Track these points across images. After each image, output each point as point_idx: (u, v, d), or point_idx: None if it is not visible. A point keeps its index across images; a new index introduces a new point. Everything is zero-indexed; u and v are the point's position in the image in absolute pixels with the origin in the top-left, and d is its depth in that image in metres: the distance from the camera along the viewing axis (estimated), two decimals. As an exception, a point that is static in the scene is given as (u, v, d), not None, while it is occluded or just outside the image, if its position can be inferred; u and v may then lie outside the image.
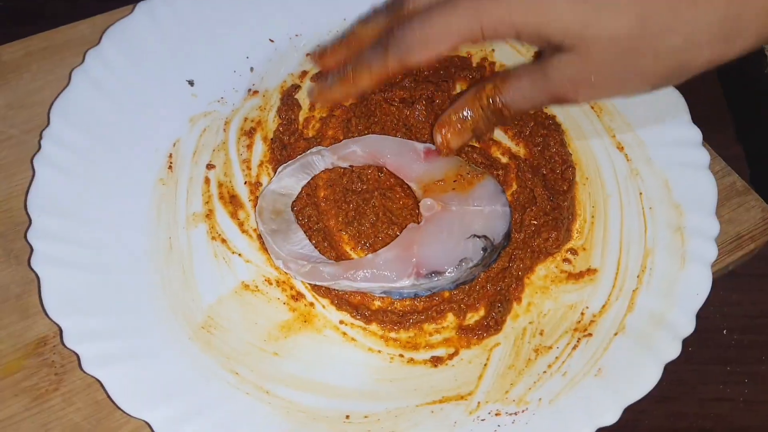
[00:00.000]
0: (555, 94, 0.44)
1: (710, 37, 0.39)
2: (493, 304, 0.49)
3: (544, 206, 0.52)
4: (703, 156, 0.54)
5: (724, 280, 0.54)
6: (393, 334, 0.49)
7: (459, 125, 0.48)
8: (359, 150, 0.53)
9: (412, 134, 0.55)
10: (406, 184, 0.53)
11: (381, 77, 0.47)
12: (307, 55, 0.61)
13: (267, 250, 0.50)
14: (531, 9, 0.41)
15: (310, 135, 0.57)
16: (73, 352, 0.44)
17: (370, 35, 0.49)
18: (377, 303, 0.50)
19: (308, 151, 0.53)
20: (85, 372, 0.43)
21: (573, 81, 0.42)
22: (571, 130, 0.58)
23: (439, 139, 0.49)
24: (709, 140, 0.56)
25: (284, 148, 0.55)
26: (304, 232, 0.51)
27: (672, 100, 0.57)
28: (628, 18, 0.39)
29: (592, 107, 0.59)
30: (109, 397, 0.43)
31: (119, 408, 0.42)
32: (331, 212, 0.53)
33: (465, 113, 0.48)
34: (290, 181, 0.52)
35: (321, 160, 0.53)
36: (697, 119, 0.56)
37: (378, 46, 0.47)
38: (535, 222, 0.52)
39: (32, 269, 0.46)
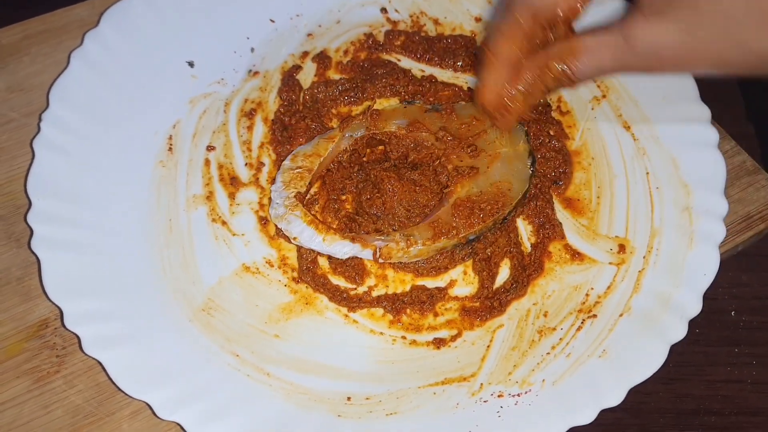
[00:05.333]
0: (636, 65, 0.40)
1: None
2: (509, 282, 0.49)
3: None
4: (712, 134, 0.53)
5: (733, 261, 0.53)
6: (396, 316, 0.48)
7: (522, 89, 0.45)
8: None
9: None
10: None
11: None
12: (309, 35, 0.60)
13: (283, 235, 0.49)
14: None
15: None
16: (74, 334, 0.44)
17: None
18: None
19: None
20: (85, 354, 0.43)
21: (664, 49, 0.38)
22: (576, 110, 0.57)
23: (498, 115, 0.47)
24: (718, 119, 0.55)
25: (285, 129, 0.55)
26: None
27: (680, 78, 0.56)
28: None
29: (599, 86, 0.58)
30: (109, 378, 0.43)
31: (120, 389, 0.42)
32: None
33: (528, 77, 0.44)
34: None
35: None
36: (706, 97, 0.55)
37: None
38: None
39: (33, 251, 0.46)
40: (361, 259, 0.49)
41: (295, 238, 0.48)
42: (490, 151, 0.51)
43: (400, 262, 0.49)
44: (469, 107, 0.53)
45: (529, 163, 0.51)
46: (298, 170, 0.50)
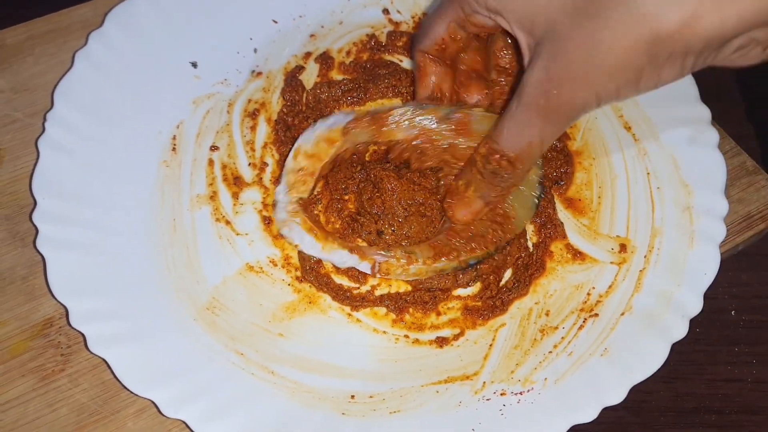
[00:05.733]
0: (536, 105, 0.38)
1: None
2: (509, 283, 0.49)
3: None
4: (712, 134, 0.53)
5: (733, 260, 0.53)
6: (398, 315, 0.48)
7: (464, 195, 0.46)
8: None
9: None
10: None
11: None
12: (311, 36, 0.60)
13: (282, 236, 0.49)
14: None
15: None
16: (79, 332, 0.44)
17: None
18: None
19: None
20: (91, 352, 0.44)
21: (545, 82, 0.37)
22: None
23: (449, 212, 0.47)
24: (719, 119, 0.55)
25: (288, 130, 0.55)
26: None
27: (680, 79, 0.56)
28: None
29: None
30: (115, 376, 0.43)
31: (125, 387, 0.43)
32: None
33: (466, 181, 0.45)
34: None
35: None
36: (706, 97, 0.55)
37: None
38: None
39: (38, 251, 0.46)
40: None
41: (296, 245, 0.48)
42: None
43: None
44: (487, 120, 0.47)
45: (537, 192, 0.48)
46: (301, 173, 0.50)
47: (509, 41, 0.46)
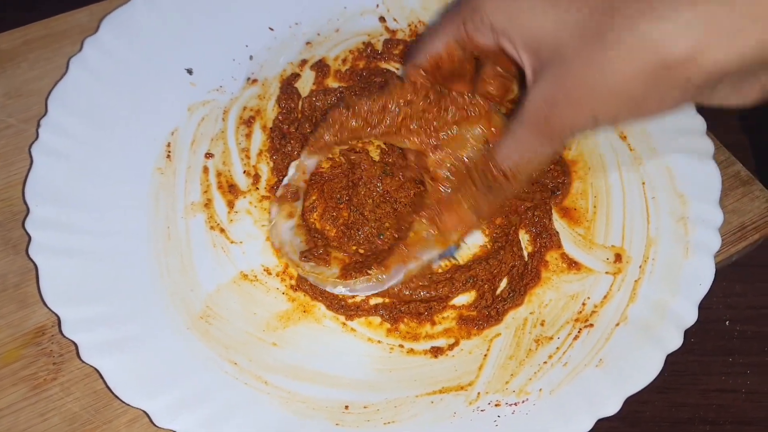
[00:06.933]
0: (536, 125, 0.39)
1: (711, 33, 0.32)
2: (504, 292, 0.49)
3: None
4: (707, 145, 0.54)
5: (727, 271, 0.53)
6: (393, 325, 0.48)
7: (457, 208, 0.45)
8: None
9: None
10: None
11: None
12: (307, 43, 0.60)
13: (271, 244, 0.50)
14: (505, 12, 0.39)
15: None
16: (72, 341, 0.44)
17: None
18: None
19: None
20: (83, 361, 0.43)
21: (548, 100, 0.37)
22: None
23: (433, 231, 0.46)
24: (713, 129, 0.55)
25: (283, 137, 0.55)
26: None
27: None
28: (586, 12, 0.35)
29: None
30: (107, 385, 0.42)
31: (117, 397, 0.42)
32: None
33: (462, 194, 0.44)
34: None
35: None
36: (700, 108, 0.55)
37: None
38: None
39: (30, 258, 0.46)
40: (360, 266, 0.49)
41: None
42: None
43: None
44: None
45: None
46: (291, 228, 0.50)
47: (498, 70, 0.45)
